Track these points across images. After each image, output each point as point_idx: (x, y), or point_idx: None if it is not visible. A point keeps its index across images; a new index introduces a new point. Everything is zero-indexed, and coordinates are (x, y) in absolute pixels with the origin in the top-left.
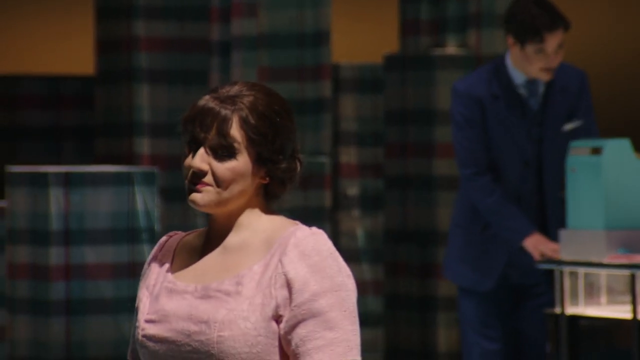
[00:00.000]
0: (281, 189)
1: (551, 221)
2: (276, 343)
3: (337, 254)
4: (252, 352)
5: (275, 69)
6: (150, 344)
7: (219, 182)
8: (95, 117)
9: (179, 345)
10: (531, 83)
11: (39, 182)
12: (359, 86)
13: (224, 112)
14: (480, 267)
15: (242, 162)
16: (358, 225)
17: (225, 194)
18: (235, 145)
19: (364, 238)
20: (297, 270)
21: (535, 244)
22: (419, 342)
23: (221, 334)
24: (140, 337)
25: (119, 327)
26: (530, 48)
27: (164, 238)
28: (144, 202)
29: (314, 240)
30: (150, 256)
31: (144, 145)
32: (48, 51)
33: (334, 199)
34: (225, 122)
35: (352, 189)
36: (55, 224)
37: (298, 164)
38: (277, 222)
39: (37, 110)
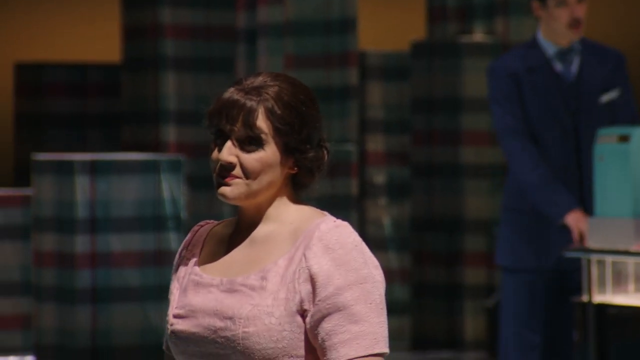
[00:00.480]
0: (310, 179)
1: (588, 196)
2: (302, 337)
3: (362, 245)
4: (278, 347)
5: (301, 57)
6: (179, 339)
7: (247, 174)
8: (121, 105)
9: (206, 342)
10: (564, 54)
11: (65, 169)
12: (386, 73)
13: (249, 103)
14: (540, 246)
15: (269, 152)
16: (384, 214)
17: (255, 186)
18: (262, 136)
19: (391, 226)
20: (320, 264)
21: (577, 221)
22: (446, 331)
23: (246, 330)
24: (169, 332)
25: (145, 315)
26: (551, 2)
27: (195, 227)
28: (170, 189)
29: (337, 233)
30: (181, 247)
31: (170, 133)
32: (74, 39)
33: (361, 187)
34: (251, 113)
35: (379, 177)
36: (81, 212)
37: (325, 152)
38: (305, 213)
39: (63, 98)
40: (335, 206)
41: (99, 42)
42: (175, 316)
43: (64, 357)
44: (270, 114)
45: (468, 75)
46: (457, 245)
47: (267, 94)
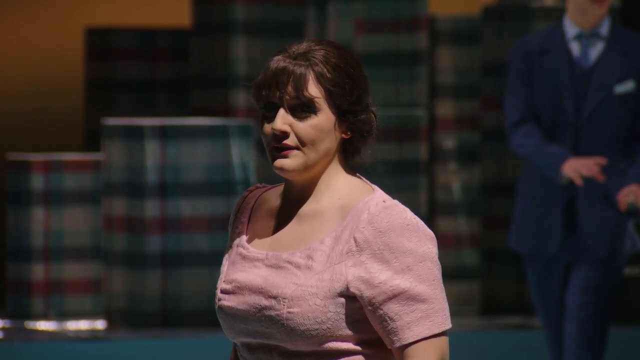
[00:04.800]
0: (362, 142)
1: (580, 190)
2: (346, 319)
3: (414, 222)
4: (322, 328)
5: (371, 21)
6: (226, 315)
7: (303, 142)
8: (190, 70)
9: (252, 320)
10: (585, 37)
11: (135, 134)
12: (456, 38)
13: (298, 69)
14: (541, 231)
15: (323, 117)
16: (454, 179)
17: (312, 154)
18: (315, 100)
19: (460, 191)
20: (372, 249)
21: (574, 167)
22: (515, 296)
23: (290, 310)
24: (217, 307)
25: (214, 279)
26: None
27: (244, 193)
28: (240, 154)
29: (387, 215)
30: (232, 214)
31: (239, 98)
32: (144, 3)
33: (431, 152)
34: (301, 78)
35: (449, 142)
36: (150, 177)
37: (374, 117)
38: (354, 187)
39: (132, 63)
40: (404, 171)
41: (169, 6)
42: (223, 291)
43: (134, 322)
44: (320, 78)
45: None
46: None
47: (315, 58)
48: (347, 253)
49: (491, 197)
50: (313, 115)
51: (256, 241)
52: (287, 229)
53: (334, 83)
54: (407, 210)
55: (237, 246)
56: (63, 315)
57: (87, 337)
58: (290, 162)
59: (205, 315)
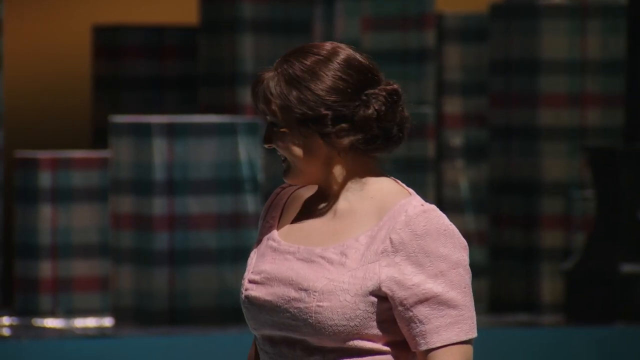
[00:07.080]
0: (370, 145)
1: None
2: (374, 318)
3: (451, 228)
4: (350, 325)
5: (378, 19)
6: (252, 305)
7: (286, 156)
8: (198, 67)
9: (279, 311)
10: None
11: (143, 132)
12: (464, 35)
13: (260, 90)
14: None
15: (289, 134)
16: (462, 176)
17: (299, 165)
18: (276, 121)
19: (468, 188)
20: (408, 251)
21: None
22: (523, 294)
23: (320, 304)
24: (243, 297)
25: (221, 277)
26: None
27: (277, 190)
28: (247, 152)
29: (425, 219)
30: (263, 210)
31: (247, 96)
32: (151, 1)
33: (438, 150)
34: (265, 99)
35: (456, 139)
36: (158, 174)
37: (372, 107)
38: (387, 188)
39: (140, 61)
40: (412, 169)
41: (176, 4)
42: (251, 281)
43: (142, 319)
44: (270, 96)
45: (546, 37)
46: (535, 208)
47: (277, 74)
48: (382, 253)
49: (499, 195)
50: (280, 130)
51: (288, 235)
52: (319, 224)
53: (283, 97)
54: (444, 216)
55: (268, 239)
56: (71, 312)
57: (94, 335)
58: (288, 175)
59: (212, 313)
